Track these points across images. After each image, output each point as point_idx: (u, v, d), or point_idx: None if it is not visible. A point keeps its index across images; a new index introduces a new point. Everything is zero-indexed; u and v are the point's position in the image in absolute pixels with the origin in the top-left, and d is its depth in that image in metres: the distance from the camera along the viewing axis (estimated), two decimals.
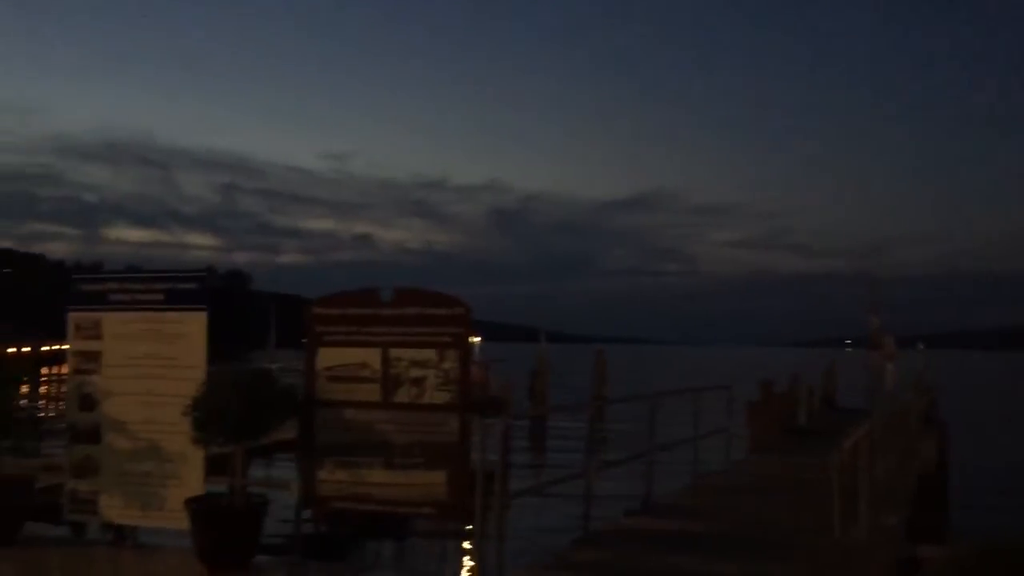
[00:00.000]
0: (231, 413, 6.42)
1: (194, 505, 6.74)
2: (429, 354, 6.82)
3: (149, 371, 7.41)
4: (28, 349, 69.62)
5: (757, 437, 15.77)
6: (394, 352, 6.91)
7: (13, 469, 8.27)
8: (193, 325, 7.35)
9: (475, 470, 6.63)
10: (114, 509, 7.44)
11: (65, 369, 8.15)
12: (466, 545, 10.58)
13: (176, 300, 7.42)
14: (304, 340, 7.30)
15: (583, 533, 8.23)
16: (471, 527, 6.59)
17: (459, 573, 10.12)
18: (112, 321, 7.58)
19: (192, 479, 7.16)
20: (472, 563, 6.73)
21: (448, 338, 6.82)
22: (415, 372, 6.84)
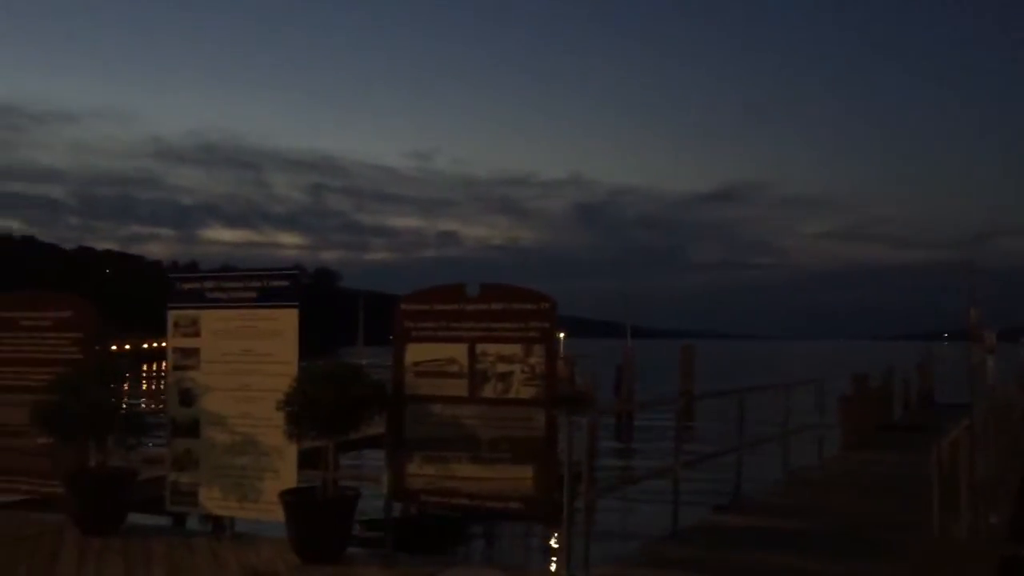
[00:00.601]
0: (323, 408, 6.57)
1: (288, 497, 6.92)
2: (515, 349, 6.86)
3: (244, 367, 7.62)
4: (129, 346, 72.36)
5: (850, 433, 15.37)
6: (481, 347, 6.97)
7: (118, 462, 8.64)
8: (286, 322, 7.52)
9: (562, 465, 6.63)
10: (213, 501, 7.69)
11: (164, 366, 8.44)
12: (553, 540, 10.60)
13: (269, 297, 7.61)
14: (391, 336, 7.41)
15: (671, 529, 8.16)
16: (558, 522, 6.59)
17: (546, 567, 10.14)
18: (209, 318, 7.82)
19: (286, 472, 7.35)
20: (559, 558, 6.75)
21: (534, 333, 6.84)
22: (502, 367, 6.88)
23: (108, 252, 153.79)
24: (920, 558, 7.17)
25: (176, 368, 7.95)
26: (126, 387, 10.42)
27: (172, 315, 8.00)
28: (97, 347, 8.70)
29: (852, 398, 16.44)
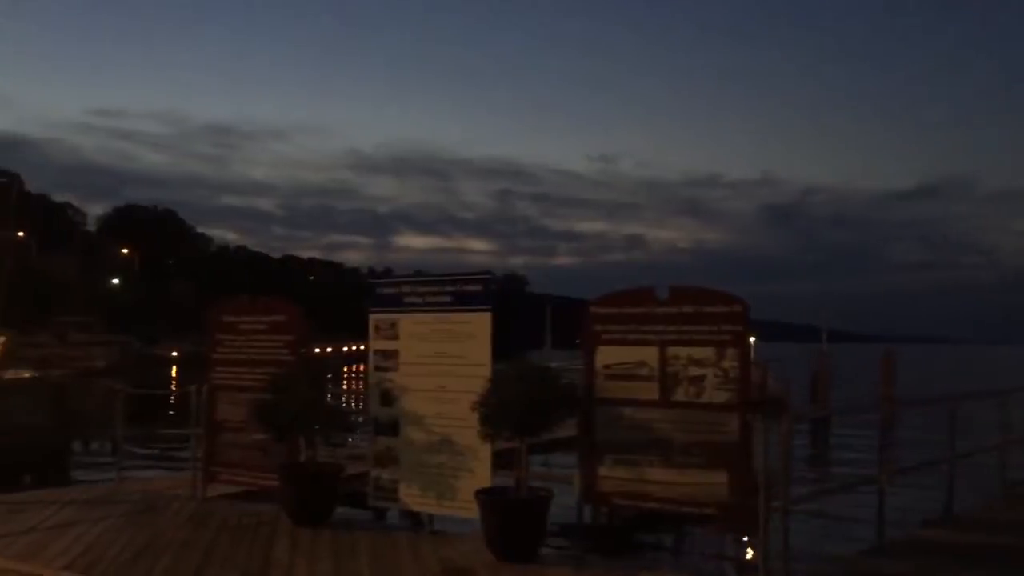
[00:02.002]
0: (516, 409, 6.70)
1: (484, 496, 7.11)
2: (707, 352, 6.75)
3: (440, 368, 7.90)
4: (331, 349, 76.48)
5: None
6: (671, 350, 6.90)
7: (325, 458, 9.15)
8: (479, 325, 7.74)
9: (757, 472, 6.46)
10: (412, 497, 8.01)
11: (362, 367, 8.87)
12: (746, 549, 10.32)
13: (463, 301, 7.85)
14: (579, 340, 7.46)
15: (877, 543, 7.76)
16: (754, 530, 6.42)
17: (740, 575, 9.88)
18: (407, 322, 8.16)
19: (481, 471, 7.55)
20: (754, 567, 6.56)
21: (727, 336, 6.70)
22: (693, 371, 6.79)
23: (311, 260, 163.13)
24: None
25: (377, 369, 8.34)
26: (332, 387, 11.01)
27: (373, 319, 8.39)
28: (303, 349, 9.26)
29: None
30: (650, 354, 7.00)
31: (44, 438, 17.47)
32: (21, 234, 66.01)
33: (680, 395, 6.84)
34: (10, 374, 19.36)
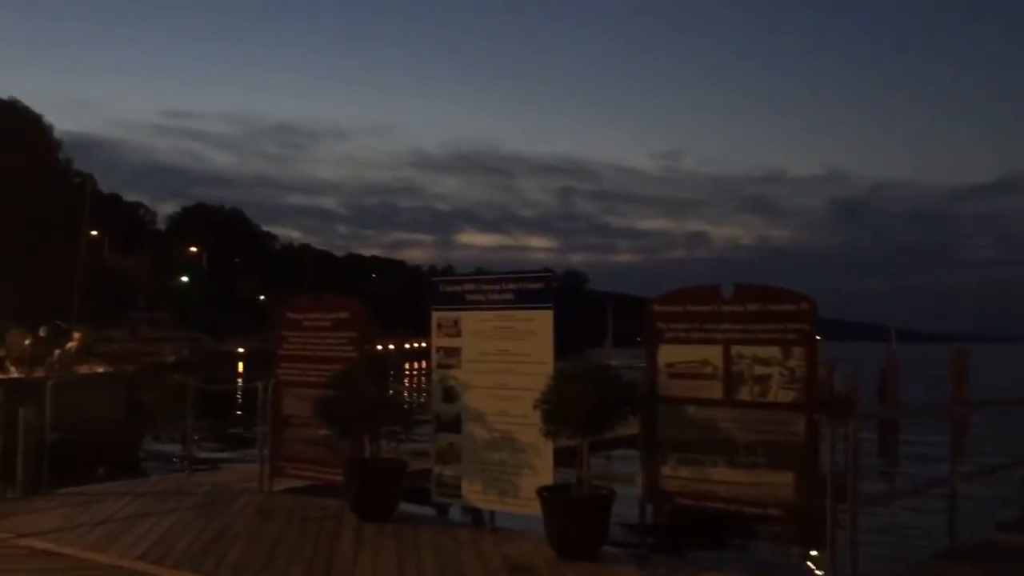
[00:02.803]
0: (578, 406, 6.68)
1: (546, 494, 7.11)
2: (773, 351, 6.65)
3: (502, 366, 7.91)
4: (392, 346, 77.20)
5: None
6: (736, 349, 6.82)
7: (388, 454, 9.25)
8: (541, 322, 7.73)
9: (824, 473, 6.35)
10: (474, 494, 8.04)
11: (423, 364, 8.94)
12: (813, 551, 10.14)
13: (525, 299, 7.85)
14: (639, 338, 7.41)
15: (948, 546, 7.56)
16: (821, 532, 6.31)
17: None
18: (469, 319, 8.20)
19: (543, 469, 7.55)
20: (821, 571, 6.46)
21: (793, 335, 6.60)
22: (759, 370, 6.70)
23: (374, 257, 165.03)
24: None
25: (439, 366, 8.39)
26: (394, 384, 11.10)
27: (435, 316, 8.44)
28: (367, 346, 9.36)
29: None
30: (714, 353, 6.92)
31: (117, 431, 17.96)
32: (95, 233, 68.17)
33: (745, 394, 6.75)
34: (85, 368, 19.94)
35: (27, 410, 9.61)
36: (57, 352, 19.74)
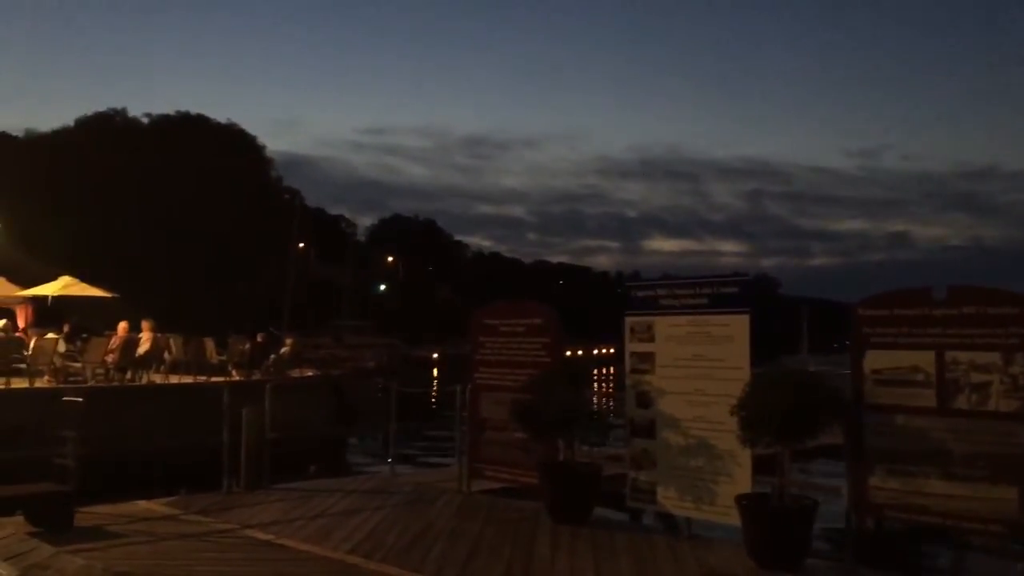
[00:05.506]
0: (778, 414, 6.51)
1: (745, 502, 6.96)
2: (992, 358, 6.23)
3: (697, 371, 7.82)
4: (581, 352, 77.57)
5: None
6: (950, 355, 6.43)
7: (583, 458, 9.34)
8: (737, 327, 7.59)
9: None
10: (670, 500, 7.99)
11: (612, 370, 8.96)
12: None
13: (720, 304, 7.73)
14: (838, 344, 7.13)
15: None
16: None
17: None
18: (663, 324, 8.16)
19: (741, 477, 7.40)
20: None
21: (1014, 340, 6.16)
22: (976, 377, 6.29)
23: (561, 264, 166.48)
24: None
25: (633, 372, 8.39)
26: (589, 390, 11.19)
27: (629, 322, 8.46)
28: (559, 351, 9.49)
29: None
30: (926, 359, 6.56)
31: (325, 431, 19.06)
32: (302, 245, 72.62)
33: (961, 403, 6.36)
34: (297, 373, 21.28)
35: (249, 411, 10.35)
36: (272, 357, 21.15)
